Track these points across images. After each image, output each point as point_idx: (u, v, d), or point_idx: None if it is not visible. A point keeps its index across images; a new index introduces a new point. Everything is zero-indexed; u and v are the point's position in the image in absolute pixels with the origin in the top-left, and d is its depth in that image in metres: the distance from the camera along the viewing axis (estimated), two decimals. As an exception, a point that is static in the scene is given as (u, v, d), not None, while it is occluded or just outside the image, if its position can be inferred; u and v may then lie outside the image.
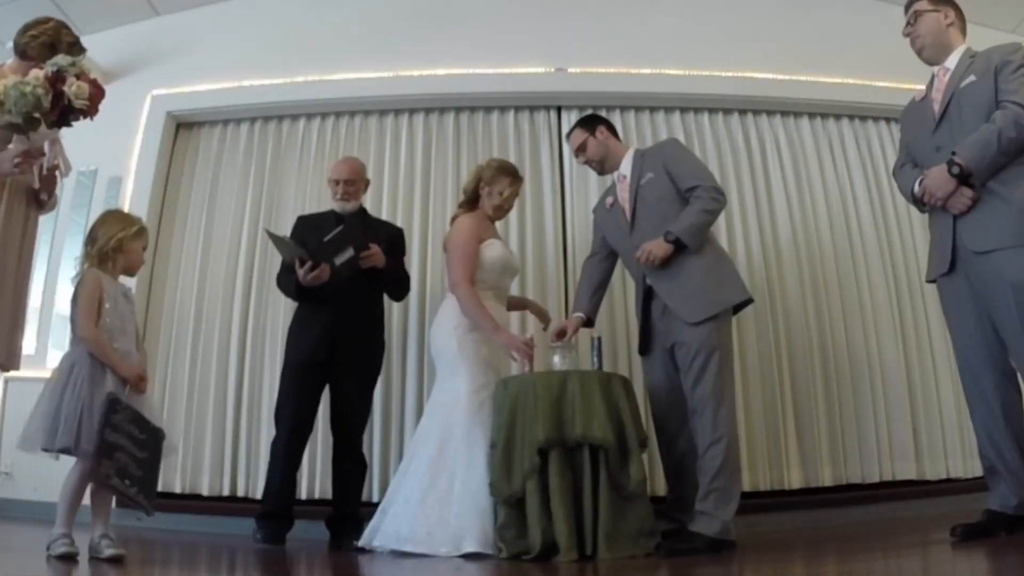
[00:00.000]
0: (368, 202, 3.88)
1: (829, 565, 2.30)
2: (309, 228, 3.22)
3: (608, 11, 4.38)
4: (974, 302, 2.34)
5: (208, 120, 4.36)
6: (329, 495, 3.25)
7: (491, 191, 3.05)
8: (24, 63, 2.43)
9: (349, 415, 3.14)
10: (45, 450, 2.27)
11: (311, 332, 3.11)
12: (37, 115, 2.23)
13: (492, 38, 4.32)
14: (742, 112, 4.30)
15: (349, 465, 3.12)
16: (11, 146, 2.29)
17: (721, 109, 4.30)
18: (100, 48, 4.33)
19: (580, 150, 3.06)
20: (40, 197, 2.45)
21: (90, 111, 2.32)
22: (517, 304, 3.32)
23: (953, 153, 2.30)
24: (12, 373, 2.45)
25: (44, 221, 2.68)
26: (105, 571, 2.16)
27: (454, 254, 2.93)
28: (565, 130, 4.23)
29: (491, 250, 2.95)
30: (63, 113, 2.28)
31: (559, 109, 4.29)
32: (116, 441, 2.23)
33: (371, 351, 3.25)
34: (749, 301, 2.85)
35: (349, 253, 2.99)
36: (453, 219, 3.14)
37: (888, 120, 4.34)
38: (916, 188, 2.43)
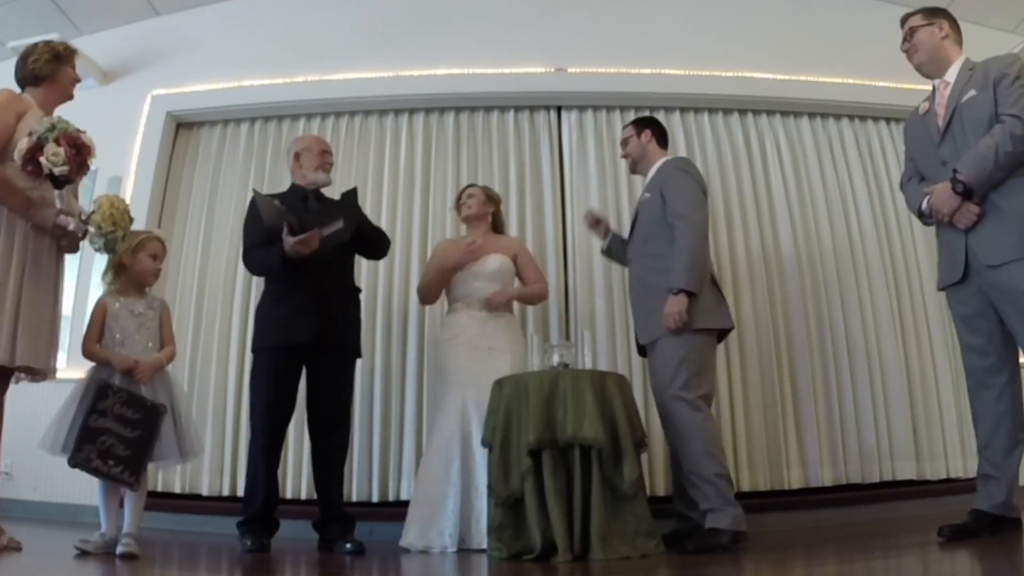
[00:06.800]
0: (368, 202, 3.89)
1: (829, 565, 2.30)
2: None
3: (608, 11, 4.38)
4: (985, 310, 2.37)
5: (208, 120, 4.37)
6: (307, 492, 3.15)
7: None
8: (39, 89, 2.52)
9: (333, 393, 2.92)
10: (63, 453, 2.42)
11: (295, 312, 2.85)
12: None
13: (492, 38, 4.33)
14: (742, 112, 4.30)
15: (331, 456, 2.93)
16: (57, 204, 2.38)
17: (721, 109, 4.30)
18: (100, 48, 4.35)
19: (623, 144, 3.19)
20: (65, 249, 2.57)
21: (72, 173, 2.29)
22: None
23: (955, 171, 2.33)
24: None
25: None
26: (108, 569, 2.17)
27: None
28: (565, 130, 4.26)
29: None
30: (53, 179, 2.28)
31: (559, 109, 4.29)
32: (102, 426, 2.39)
33: (354, 326, 3.07)
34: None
35: (338, 224, 2.82)
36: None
37: (888, 120, 4.34)
38: (924, 206, 2.46)
